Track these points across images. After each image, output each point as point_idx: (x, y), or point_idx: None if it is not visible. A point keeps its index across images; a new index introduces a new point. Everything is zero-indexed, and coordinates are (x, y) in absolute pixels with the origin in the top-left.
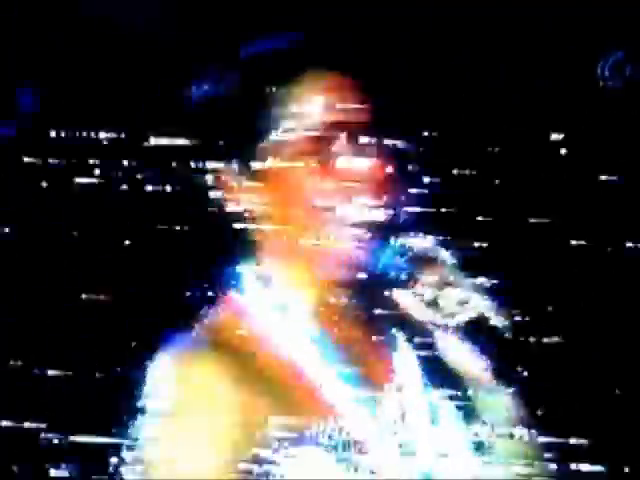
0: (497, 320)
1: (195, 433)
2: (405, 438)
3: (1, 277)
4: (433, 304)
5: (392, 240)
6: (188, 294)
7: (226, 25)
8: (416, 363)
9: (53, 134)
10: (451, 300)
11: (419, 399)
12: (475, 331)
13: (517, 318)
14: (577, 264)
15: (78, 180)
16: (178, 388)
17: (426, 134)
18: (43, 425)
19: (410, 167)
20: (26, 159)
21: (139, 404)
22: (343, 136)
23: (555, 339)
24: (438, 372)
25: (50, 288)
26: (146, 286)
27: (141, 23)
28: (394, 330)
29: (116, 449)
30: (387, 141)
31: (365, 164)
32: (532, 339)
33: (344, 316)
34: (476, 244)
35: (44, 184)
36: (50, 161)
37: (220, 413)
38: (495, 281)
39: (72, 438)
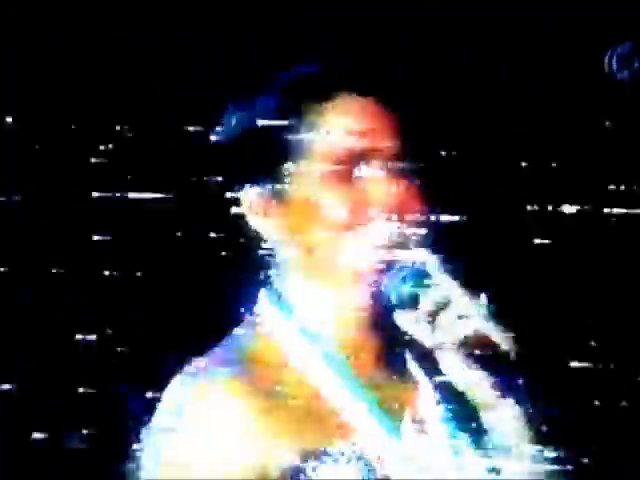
0: (501, 340)
1: (214, 458)
2: (425, 463)
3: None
4: (437, 326)
5: (410, 267)
6: (212, 313)
7: (255, 52)
8: (432, 389)
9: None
10: (455, 320)
11: (437, 425)
12: (480, 352)
13: (519, 335)
14: (579, 280)
15: (94, 194)
16: (198, 411)
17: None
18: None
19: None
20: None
21: (156, 426)
22: (371, 162)
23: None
24: (449, 395)
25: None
26: (169, 306)
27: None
28: (409, 355)
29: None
30: (414, 167)
31: (392, 190)
32: (535, 357)
33: (366, 342)
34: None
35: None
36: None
37: (240, 437)
38: (498, 301)
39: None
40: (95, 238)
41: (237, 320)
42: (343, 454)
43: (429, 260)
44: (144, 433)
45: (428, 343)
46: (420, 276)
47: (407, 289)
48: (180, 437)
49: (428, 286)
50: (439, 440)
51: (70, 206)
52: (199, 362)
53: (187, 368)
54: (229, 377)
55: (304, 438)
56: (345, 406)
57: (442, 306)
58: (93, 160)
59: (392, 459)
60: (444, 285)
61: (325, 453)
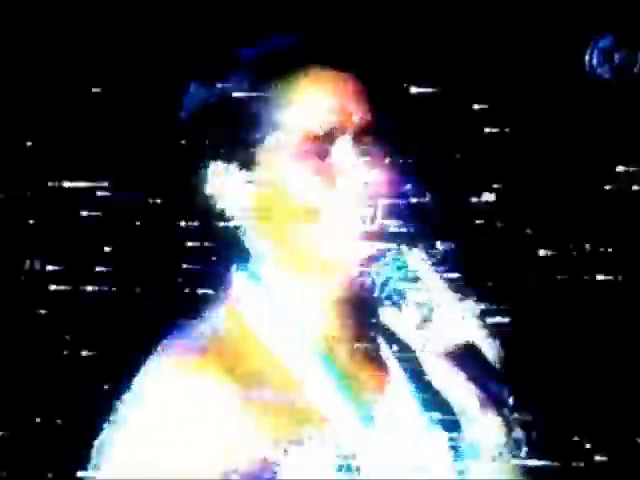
0: (489, 349)
1: (187, 438)
2: (397, 452)
3: None
4: (422, 326)
5: (390, 253)
6: (185, 292)
7: (224, 25)
8: (407, 381)
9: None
10: (442, 323)
11: (411, 416)
12: (465, 356)
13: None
14: (573, 291)
15: (67, 184)
16: (169, 393)
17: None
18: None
19: (410, 174)
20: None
21: (128, 408)
22: (345, 138)
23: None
24: (427, 395)
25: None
26: (141, 285)
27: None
28: (385, 345)
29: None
30: (389, 145)
31: (367, 167)
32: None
33: (342, 329)
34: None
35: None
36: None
37: (211, 418)
38: (488, 304)
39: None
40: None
41: (210, 302)
42: (314, 439)
43: (415, 256)
44: (114, 419)
45: (413, 346)
46: (405, 271)
47: (392, 283)
48: (149, 422)
49: (414, 281)
50: (412, 430)
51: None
52: (171, 345)
53: (158, 351)
54: (200, 359)
55: (275, 423)
56: (318, 392)
57: (430, 311)
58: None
59: (365, 447)
60: (433, 288)
61: (298, 439)
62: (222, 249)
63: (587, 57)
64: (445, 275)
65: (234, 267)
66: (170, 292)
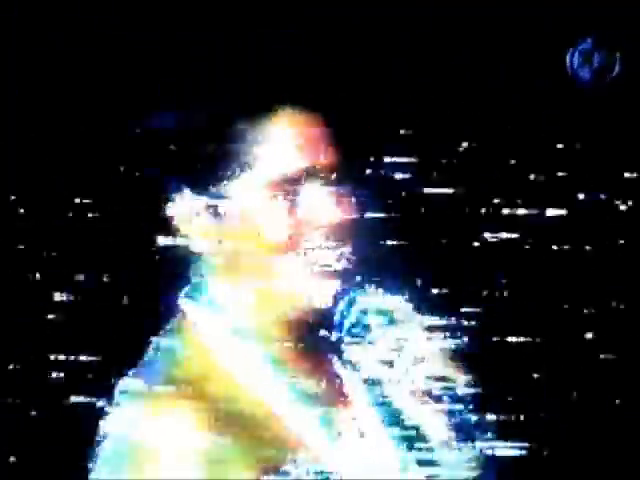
0: (457, 381)
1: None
2: (364, 468)
3: None
4: (387, 362)
5: (352, 290)
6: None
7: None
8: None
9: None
10: (406, 357)
11: (374, 432)
12: (431, 388)
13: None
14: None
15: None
16: (148, 433)
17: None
18: None
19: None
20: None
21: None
22: (313, 178)
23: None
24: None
25: None
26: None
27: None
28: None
29: None
30: (354, 187)
31: (332, 208)
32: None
33: (301, 354)
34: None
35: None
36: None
37: (191, 454)
38: (456, 340)
39: None
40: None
41: (163, 326)
42: (297, 466)
43: (380, 295)
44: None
45: (380, 377)
46: (370, 309)
47: (356, 320)
48: (129, 464)
49: (379, 318)
50: (376, 447)
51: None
52: (134, 381)
53: (122, 387)
54: (171, 395)
55: (248, 447)
56: (282, 412)
57: (398, 347)
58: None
59: (332, 465)
60: (401, 323)
61: (279, 467)
62: (183, 277)
63: (567, 59)
64: (411, 312)
65: (193, 294)
66: (122, 316)
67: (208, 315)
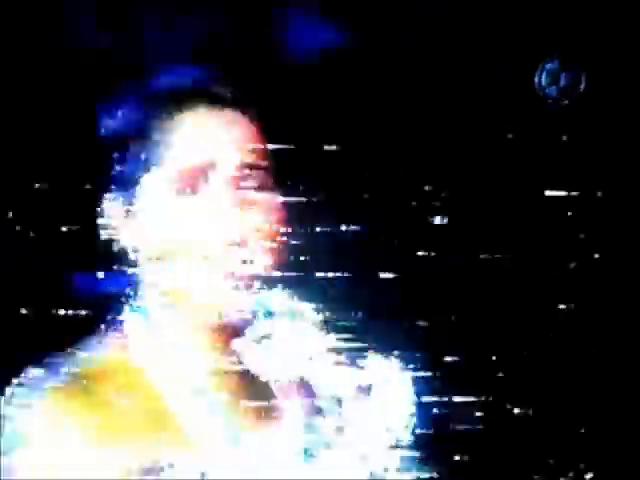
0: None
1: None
2: (269, 469)
3: None
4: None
5: (262, 291)
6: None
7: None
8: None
9: None
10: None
11: (284, 433)
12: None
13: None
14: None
15: None
16: (33, 424)
17: None
18: None
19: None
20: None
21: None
22: (223, 174)
23: None
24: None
25: None
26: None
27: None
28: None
29: None
30: (272, 184)
31: (247, 206)
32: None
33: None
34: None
35: None
36: None
37: (75, 451)
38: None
39: None
40: None
41: (95, 335)
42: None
43: (287, 297)
44: None
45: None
46: (276, 311)
47: (263, 321)
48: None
49: (286, 320)
50: (285, 447)
51: None
52: (35, 372)
53: (21, 379)
54: (67, 388)
55: (147, 449)
56: (192, 417)
57: (303, 347)
58: None
59: (235, 466)
60: (303, 327)
61: (164, 465)
62: (112, 282)
63: (536, 78)
64: (315, 316)
65: (124, 301)
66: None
67: (139, 324)
